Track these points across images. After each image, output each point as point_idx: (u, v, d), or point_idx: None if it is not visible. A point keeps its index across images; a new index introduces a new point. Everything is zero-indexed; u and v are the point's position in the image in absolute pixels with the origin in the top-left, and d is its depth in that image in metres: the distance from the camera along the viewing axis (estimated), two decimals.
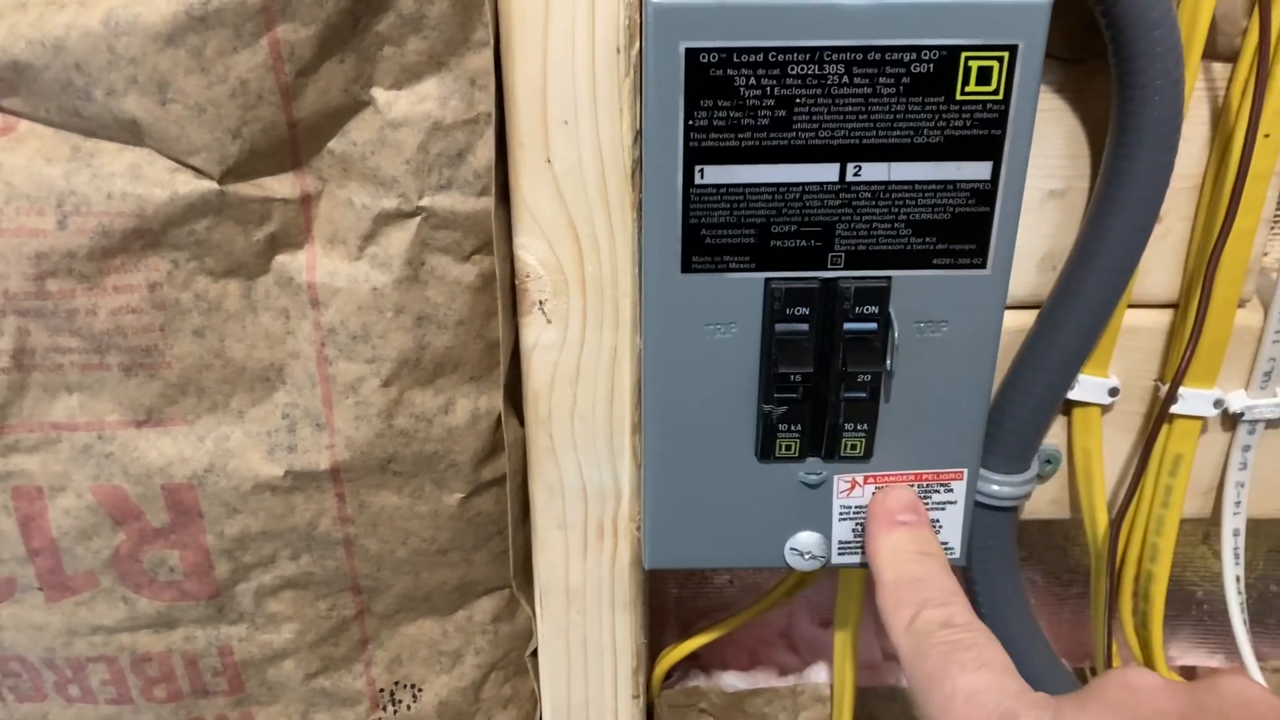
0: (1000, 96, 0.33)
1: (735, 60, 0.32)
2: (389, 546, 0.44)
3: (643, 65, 0.33)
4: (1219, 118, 0.40)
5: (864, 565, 0.39)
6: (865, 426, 0.38)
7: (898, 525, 0.38)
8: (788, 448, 0.38)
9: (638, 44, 0.34)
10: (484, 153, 0.36)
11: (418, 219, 0.37)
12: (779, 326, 0.36)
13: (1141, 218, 0.38)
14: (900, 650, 0.35)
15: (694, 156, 0.33)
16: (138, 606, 0.43)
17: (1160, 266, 0.42)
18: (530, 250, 0.37)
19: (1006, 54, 0.32)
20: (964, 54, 0.32)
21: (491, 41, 0.34)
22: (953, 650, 0.33)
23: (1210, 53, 0.38)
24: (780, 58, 0.32)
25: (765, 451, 0.38)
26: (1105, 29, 0.35)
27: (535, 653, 0.47)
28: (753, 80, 0.32)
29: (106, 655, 0.44)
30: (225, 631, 0.45)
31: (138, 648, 0.44)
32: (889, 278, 0.35)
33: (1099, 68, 0.38)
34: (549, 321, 0.38)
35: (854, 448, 0.38)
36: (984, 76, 0.32)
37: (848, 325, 0.36)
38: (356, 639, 0.47)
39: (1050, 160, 0.40)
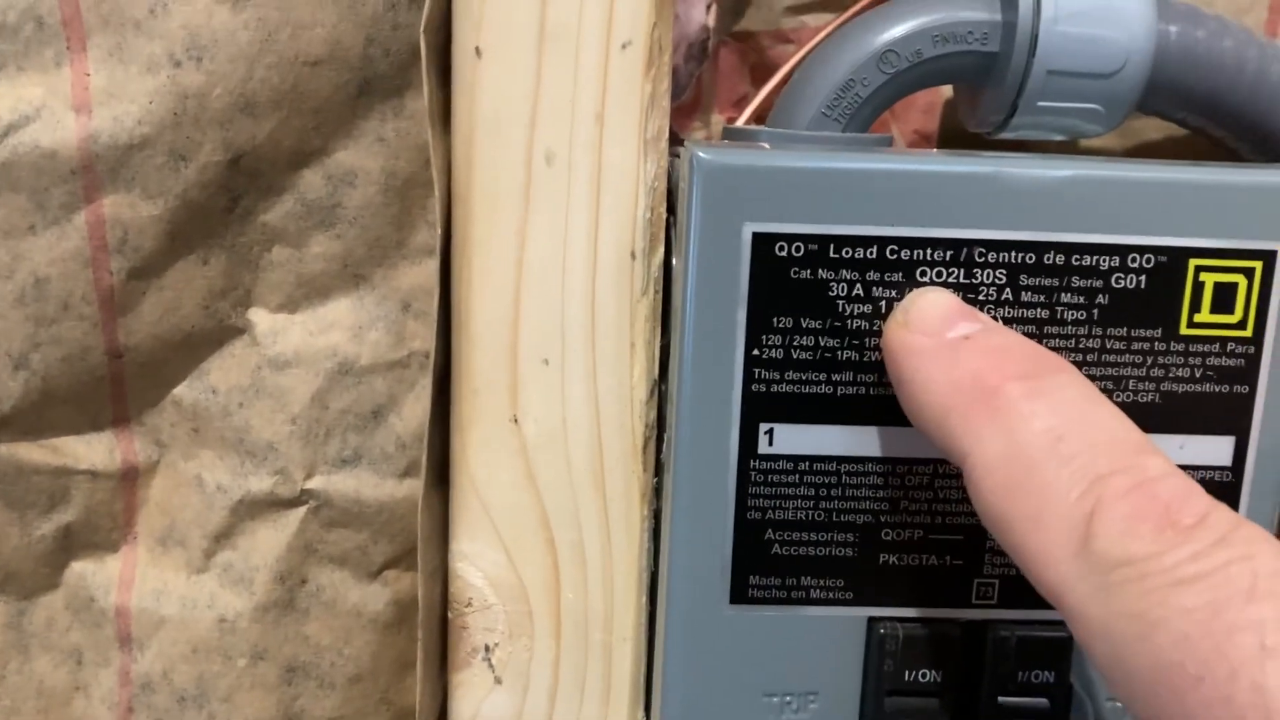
0: (1248, 333, 0.23)
1: (833, 255, 0.22)
2: None
3: (672, 273, 0.24)
4: None
5: None
6: None
7: (960, 346, 0.21)
8: None
9: (663, 247, 0.25)
10: (414, 411, 0.28)
11: (302, 510, 0.29)
12: (892, 700, 0.25)
13: None
14: (1067, 600, 0.18)
15: (758, 409, 0.23)
16: None
17: None
18: (476, 562, 0.27)
19: (1259, 265, 0.22)
20: (1193, 262, 0.22)
21: (439, 247, 0.25)
22: (1218, 601, 0.16)
23: None
24: (905, 254, 0.22)
25: None
26: None
27: None
28: (859, 289, 0.22)
29: None
30: None
31: None
32: None
33: None
34: (498, 680, 0.28)
35: None
36: (1223, 300, 0.22)
37: (1003, 700, 0.25)
38: None
39: None
